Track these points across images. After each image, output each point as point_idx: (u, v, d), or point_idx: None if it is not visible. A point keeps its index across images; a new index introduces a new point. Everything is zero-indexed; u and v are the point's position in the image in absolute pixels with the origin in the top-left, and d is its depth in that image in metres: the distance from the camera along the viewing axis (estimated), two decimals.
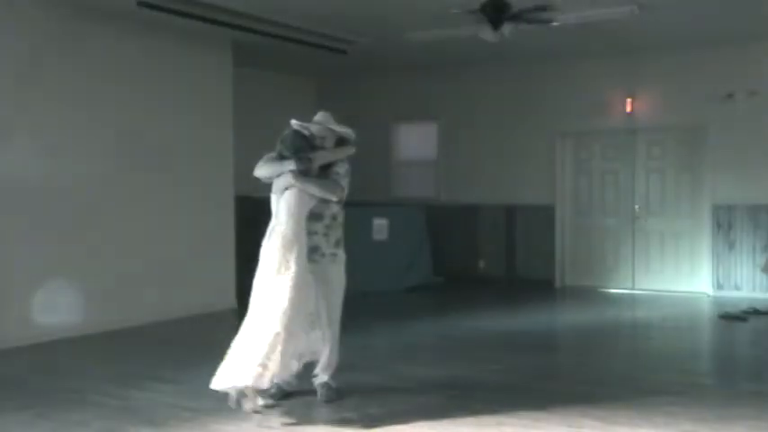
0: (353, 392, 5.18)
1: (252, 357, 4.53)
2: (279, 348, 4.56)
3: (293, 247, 4.76)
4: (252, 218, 10.20)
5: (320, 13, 7.74)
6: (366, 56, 9.84)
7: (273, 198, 5.00)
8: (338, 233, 5.19)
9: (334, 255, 5.15)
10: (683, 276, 9.92)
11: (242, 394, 4.62)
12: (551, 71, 10.44)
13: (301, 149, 4.99)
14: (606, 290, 10.20)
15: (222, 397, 5.22)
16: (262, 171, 5.08)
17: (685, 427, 4.52)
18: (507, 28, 6.92)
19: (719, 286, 9.61)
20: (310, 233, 4.98)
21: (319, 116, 5.23)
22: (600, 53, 9.94)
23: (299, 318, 4.70)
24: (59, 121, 7.35)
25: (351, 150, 5.26)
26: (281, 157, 5.01)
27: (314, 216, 5.04)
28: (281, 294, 4.65)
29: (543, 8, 6.83)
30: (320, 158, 5.04)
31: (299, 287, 4.70)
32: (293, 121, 5.18)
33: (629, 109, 10.06)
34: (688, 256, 9.93)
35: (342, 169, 5.16)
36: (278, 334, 4.57)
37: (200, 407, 5.00)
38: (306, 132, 5.12)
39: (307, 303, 4.79)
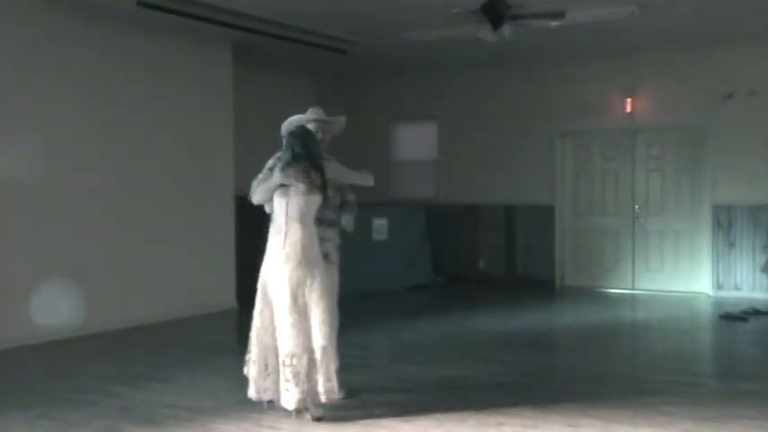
0: (354, 392, 5.17)
1: (315, 375, 4.59)
2: (332, 358, 4.65)
3: (313, 254, 4.70)
4: (252, 218, 10.24)
5: (320, 13, 7.74)
6: (366, 56, 9.84)
7: (278, 200, 4.78)
8: (339, 239, 5.23)
9: (337, 262, 5.17)
10: (682, 276, 9.92)
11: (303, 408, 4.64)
12: (551, 71, 10.44)
13: (318, 156, 4.83)
14: (606, 290, 10.20)
15: (221, 396, 5.24)
16: (259, 195, 4.84)
17: (685, 427, 4.52)
18: (507, 28, 6.92)
19: (719, 286, 9.60)
20: (323, 240, 4.94)
21: (312, 112, 5.14)
22: (600, 53, 9.94)
23: (335, 324, 4.75)
24: (59, 121, 7.35)
25: (369, 181, 5.10)
26: (294, 155, 4.72)
27: (328, 222, 5.04)
28: (316, 307, 4.62)
29: (542, 8, 6.84)
30: (332, 172, 4.92)
31: (329, 294, 4.71)
32: (302, 117, 5.06)
33: (629, 109, 10.05)
34: (688, 256, 9.93)
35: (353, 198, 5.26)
36: (325, 347, 4.61)
37: (199, 407, 5.01)
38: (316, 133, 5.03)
39: (335, 309, 4.81)
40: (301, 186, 4.70)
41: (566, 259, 10.64)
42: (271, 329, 4.69)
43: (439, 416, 4.72)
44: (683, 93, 9.73)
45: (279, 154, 4.95)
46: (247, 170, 9.01)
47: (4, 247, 6.86)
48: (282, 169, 4.72)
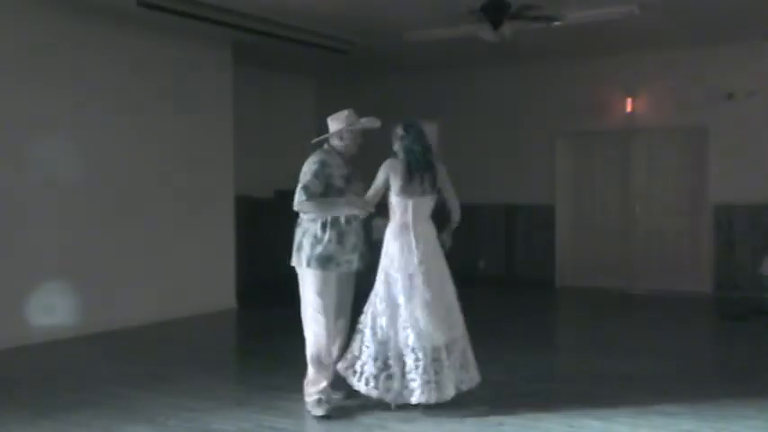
0: (353, 393, 5.16)
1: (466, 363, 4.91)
2: (469, 345, 4.99)
3: (441, 249, 4.99)
4: (252, 218, 10.25)
5: (320, 14, 7.73)
6: (366, 56, 9.84)
7: (399, 201, 4.94)
8: None
9: None
10: (683, 276, 9.91)
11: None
12: (551, 71, 10.44)
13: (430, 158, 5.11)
14: (606, 290, 10.19)
15: (221, 396, 5.23)
16: (324, 212, 4.99)
17: (685, 427, 4.53)
18: (507, 28, 6.92)
19: (719, 286, 9.60)
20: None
21: (351, 117, 5.27)
22: (600, 53, 9.93)
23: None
24: (57, 121, 7.34)
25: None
26: (410, 169, 4.94)
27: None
28: (452, 299, 4.94)
29: (543, 8, 6.84)
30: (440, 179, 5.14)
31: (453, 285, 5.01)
32: (342, 123, 5.24)
33: (629, 109, 10.05)
34: (688, 256, 9.92)
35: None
36: (465, 335, 4.96)
37: (199, 407, 5.00)
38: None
39: None
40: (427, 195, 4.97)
41: (566, 259, 10.64)
42: (394, 328, 4.84)
43: (438, 416, 4.73)
44: (683, 93, 9.73)
45: (318, 157, 5.01)
46: (246, 170, 9.09)
47: (4, 248, 6.86)
48: (403, 189, 4.92)
